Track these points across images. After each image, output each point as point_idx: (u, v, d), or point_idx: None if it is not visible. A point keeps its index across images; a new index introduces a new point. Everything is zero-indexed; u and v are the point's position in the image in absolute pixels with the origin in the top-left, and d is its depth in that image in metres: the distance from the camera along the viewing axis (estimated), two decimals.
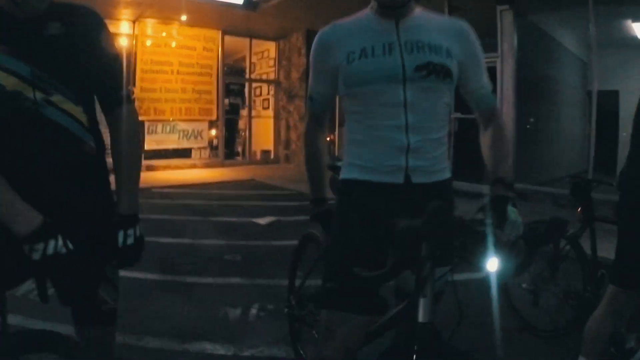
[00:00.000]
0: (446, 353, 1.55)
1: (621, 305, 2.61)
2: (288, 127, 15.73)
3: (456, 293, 1.59)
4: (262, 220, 7.68)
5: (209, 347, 3.48)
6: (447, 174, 2.01)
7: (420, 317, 1.56)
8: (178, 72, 14.04)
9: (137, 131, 1.93)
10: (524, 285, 3.74)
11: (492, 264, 1.55)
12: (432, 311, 1.57)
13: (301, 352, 3.22)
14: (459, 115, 9.96)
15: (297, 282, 3.23)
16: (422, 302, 1.56)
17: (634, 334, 3.03)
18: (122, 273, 1.92)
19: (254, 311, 4.17)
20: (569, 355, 3.12)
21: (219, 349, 3.45)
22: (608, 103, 9.58)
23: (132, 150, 1.87)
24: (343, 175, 2.04)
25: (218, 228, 7.27)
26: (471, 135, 9.29)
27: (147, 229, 6.07)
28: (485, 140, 2.02)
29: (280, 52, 15.86)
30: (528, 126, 10.42)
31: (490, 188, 1.87)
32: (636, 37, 10.82)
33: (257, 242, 6.41)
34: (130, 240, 1.78)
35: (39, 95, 1.65)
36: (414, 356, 1.53)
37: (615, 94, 11.10)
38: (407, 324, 1.64)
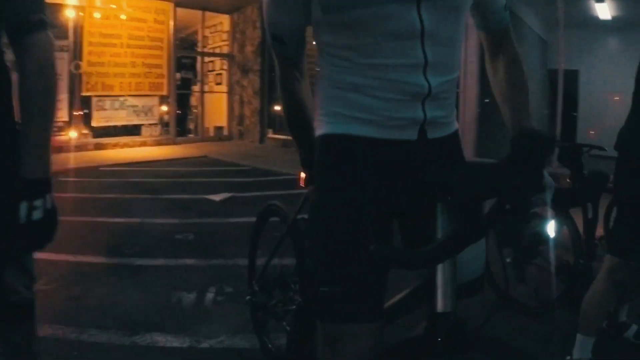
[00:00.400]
0: (476, 347, 1.24)
1: (623, 277, 2.44)
2: (242, 103, 15.42)
3: (504, 268, 1.25)
4: (216, 197, 7.34)
5: (160, 339, 3.09)
6: (456, 124, 1.57)
7: (439, 305, 1.27)
8: (128, 46, 13.54)
9: (52, 70, 1.44)
10: (508, 260, 3.39)
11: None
12: (454, 298, 1.27)
13: (269, 345, 2.84)
14: None
15: (260, 264, 2.85)
16: (440, 285, 1.27)
17: (626, 305, 2.95)
18: (62, 257, 1.48)
19: (210, 295, 3.78)
20: (558, 331, 3.01)
21: (173, 341, 3.07)
22: (567, 82, 9.53)
23: (43, 93, 1.41)
24: (326, 129, 1.47)
25: (169, 206, 6.90)
26: None
27: (93, 208, 5.72)
28: (497, 73, 1.56)
29: (234, 25, 15.50)
30: (487, 100, 10.22)
31: (514, 141, 1.42)
32: (596, 17, 10.84)
33: (211, 220, 6.04)
34: (37, 215, 1.36)
35: None
36: (434, 351, 1.25)
37: (575, 74, 11.07)
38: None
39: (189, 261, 4.61)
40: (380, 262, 1.30)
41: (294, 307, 2.46)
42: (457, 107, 8.03)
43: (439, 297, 1.26)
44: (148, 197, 7.46)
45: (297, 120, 1.69)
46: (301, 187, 1.89)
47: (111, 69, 13.26)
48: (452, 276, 1.27)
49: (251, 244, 3.02)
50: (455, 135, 1.55)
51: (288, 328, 2.39)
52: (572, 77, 10.61)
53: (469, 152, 10.05)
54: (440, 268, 1.26)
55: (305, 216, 2.21)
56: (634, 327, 2.93)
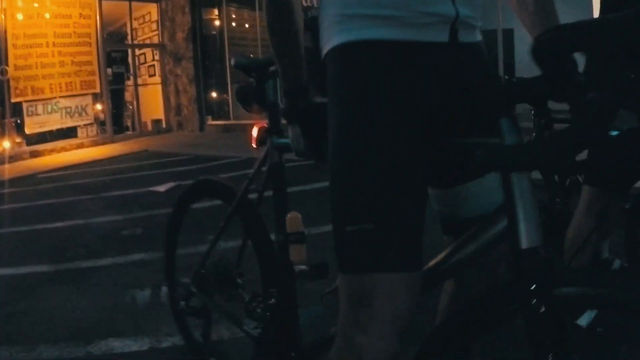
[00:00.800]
0: (570, 281, 1.02)
1: (602, 206, 2.35)
2: (177, 92, 15.13)
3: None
4: (162, 188, 7.09)
5: (117, 345, 2.84)
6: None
7: (524, 240, 1.03)
8: (54, 44, 12.98)
9: None
10: None
11: None
12: (540, 230, 1.05)
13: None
14: None
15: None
16: (522, 216, 1.04)
17: (607, 241, 2.87)
18: (2, 272, 1.24)
19: (165, 290, 3.49)
20: None
21: (131, 345, 2.83)
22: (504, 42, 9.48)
23: None
24: (343, 37, 1.21)
25: (112, 203, 6.62)
26: None
27: (32, 216, 5.43)
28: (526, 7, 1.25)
29: (162, 13, 15.09)
30: None
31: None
32: None
33: (158, 212, 5.75)
34: None
35: None
36: (527, 294, 1.01)
37: (510, 32, 11.07)
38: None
39: (139, 256, 4.36)
40: (490, 166, 1.07)
41: (268, 305, 2.03)
42: None
43: (523, 230, 1.04)
44: (89, 198, 7.15)
45: (284, 23, 1.40)
46: (254, 149, 1.76)
47: (39, 71, 12.69)
48: (533, 203, 1.06)
49: (167, 234, 2.60)
50: (482, 45, 1.35)
51: (254, 332, 2.09)
52: (508, 36, 10.55)
53: None
54: (518, 195, 1.05)
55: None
56: (617, 262, 2.85)
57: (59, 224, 5.74)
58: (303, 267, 1.67)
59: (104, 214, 6.01)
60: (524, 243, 1.03)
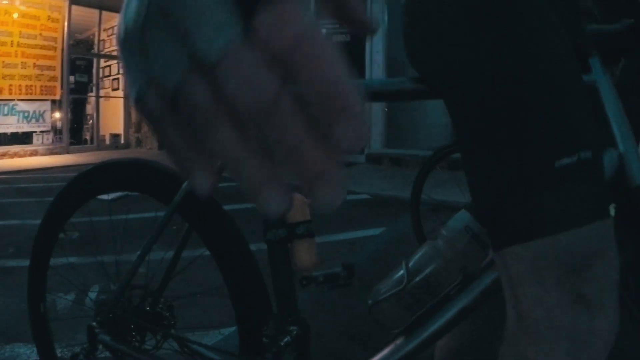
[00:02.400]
0: None
1: None
2: None
3: None
4: (107, 196, 6.69)
5: (22, 352, 2.57)
6: None
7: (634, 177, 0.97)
8: (18, 45, 12.60)
9: None
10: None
11: None
12: None
13: None
14: None
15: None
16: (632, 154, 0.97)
17: None
18: None
19: (93, 295, 3.24)
20: None
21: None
22: None
23: None
24: None
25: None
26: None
27: None
28: None
29: None
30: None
31: None
32: None
33: (100, 218, 5.42)
34: None
35: None
36: None
37: None
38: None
39: (71, 259, 4.06)
40: None
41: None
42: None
43: (634, 167, 0.97)
44: (32, 201, 6.88)
45: None
46: None
47: (0, 70, 12.33)
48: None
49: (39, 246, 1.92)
50: None
51: None
52: None
53: (378, 142, 10.12)
54: (622, 131, 0.97)
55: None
56: None
57: None
58: (324, 271, 1.26)
59: (42, 217, 5.69)
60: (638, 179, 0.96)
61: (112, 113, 15.19)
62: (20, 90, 12.71)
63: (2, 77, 12.36)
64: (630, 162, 0.96)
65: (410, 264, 1.21)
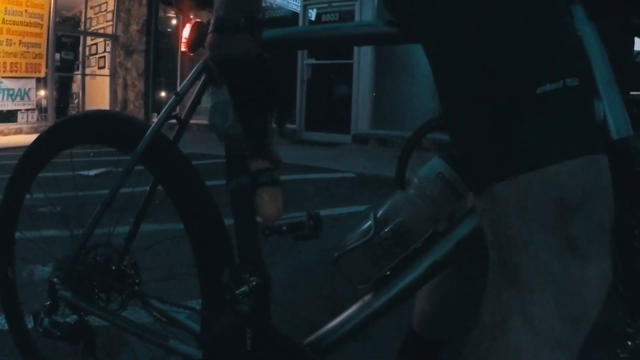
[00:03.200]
0: None
1: None
2: (125, 86, 14.66)
3: None
4: (91, 172, 6.72)
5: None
6: None
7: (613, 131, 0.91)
8: (3, 22, 12.33)
9: None
10: None
11: None
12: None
13: None
14: (312, 61, 10.01)
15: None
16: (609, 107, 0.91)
17: None
18: None
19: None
20: None
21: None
22: None
23: None
24: None
25: (37, 183, 6.17)
26: (324, 83, 9.27)
27: None
28: None
29: (119, 3, 14.66)
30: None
31: None
32: None
33: (83, 193, 5.37)
34: None
35: None
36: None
37: None
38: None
39: (50, 233, 4.01)
40: None
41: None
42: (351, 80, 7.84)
43: (611, 121, 0.91)
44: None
45: None
46: None
47: None
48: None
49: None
50: None
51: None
52: None
53: (365, 123, 10.10)
54: (605, 82, 0.92)
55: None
56: None
57: None
58: (288, 220, 1.18)
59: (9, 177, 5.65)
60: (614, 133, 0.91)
61: (98, 91, 15.02)
62: (4, 67, 12.50)
63: None
64: (612, 115, 0.91)
65: (379, 213, 1.14)
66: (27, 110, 13.33)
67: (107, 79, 15.03)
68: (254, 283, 1.13)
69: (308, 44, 1.18)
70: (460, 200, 1.11)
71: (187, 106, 1.38)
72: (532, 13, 0.78)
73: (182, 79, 11.34)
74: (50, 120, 13.59)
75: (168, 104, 1.37)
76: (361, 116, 10.19)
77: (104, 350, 1.80)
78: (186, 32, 1.22)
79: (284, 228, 1.14)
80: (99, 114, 1.69)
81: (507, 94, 0.76)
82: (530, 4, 0.78)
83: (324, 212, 4.68)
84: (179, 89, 1.36)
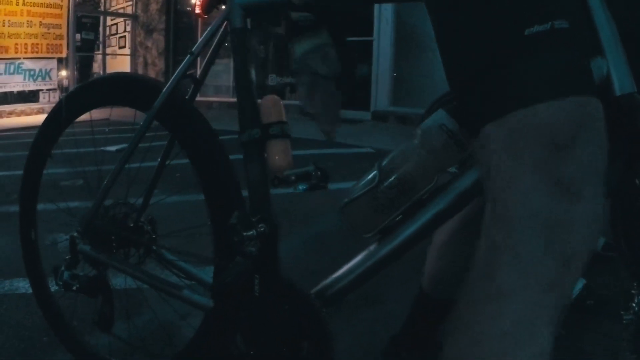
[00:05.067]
0: None
1: None
2: (146, 65, 14.72)
3: None
4: (113, 148, 6.76)
5: (22, 286, 2.68)
6: None
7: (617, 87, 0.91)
8: (24, 3, 12.41)
9: None
10: None
11: None
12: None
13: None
14: None
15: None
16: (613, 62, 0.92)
17: None
18: None
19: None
20: None
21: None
22: None
23: None
24: None
25: (60, 159, 6.28)
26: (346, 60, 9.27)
27: None
28: None
29: None
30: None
31: None
32: None
33: (104, 167, 5.47)
34: None
35: None
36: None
37: None
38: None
39: (73, 204, 4.11)
40: None
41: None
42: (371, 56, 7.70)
43: (614, 77, 0.91)
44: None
45: None
46: None
47: (6, 30, 12.16)
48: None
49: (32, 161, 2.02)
50: None
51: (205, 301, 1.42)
52: None
53: (384, 101, 10.04)
54: (609, 38, 0.91)
55: None
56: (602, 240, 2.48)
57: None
58: (296, 170, 1.18)
59: (48, 167, 5.75)
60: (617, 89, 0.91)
61: (119, 70, 14.84)
62: (26, 48, 12.59)
63: (8, 36, 12.23)
64: (615, 71, 0.90)
65: (384, 162, 1.16)
66: (48, 90, 13.43)
67: (128, 58, 15.08)
68: (262, 229, 1.16)
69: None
70: (465, 150, 1.12)
71: (202, 65, 1.43)
72: None
73: (201, 57, 11.59)
74: None
75: (183, 62, 1.41)
76: (381, 93, 10.14)
77: (123, 311, 1.85)
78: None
79: (292, 178, 1.16)
80: (116, 76, 1.78)
81: (496, 36, 0.78)
82: None
83: (340, 185, 4.70)
84: (193, 49, 1.40)
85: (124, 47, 15.17)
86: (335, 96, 1.13)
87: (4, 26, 12.12)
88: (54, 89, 13.53)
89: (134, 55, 14.95)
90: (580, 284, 2.19)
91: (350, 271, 1.18)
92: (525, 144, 0.76)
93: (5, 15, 12.12)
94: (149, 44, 14.53)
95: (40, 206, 3.92)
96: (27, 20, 12.51)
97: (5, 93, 12.65)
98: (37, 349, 2.20)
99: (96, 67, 15.28)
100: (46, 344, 2.21)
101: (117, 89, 1.70)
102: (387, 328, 1.70)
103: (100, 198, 1.61)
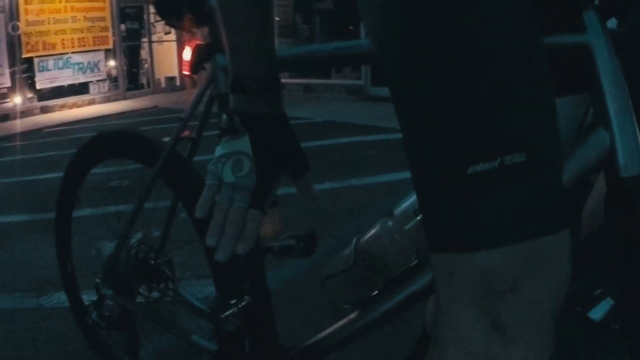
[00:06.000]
0: None
1: None
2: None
3: None
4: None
5: None
6: None
7: (622, 166, 0.78)
8: (67, 0, 12.70)
9: None
10: None
11: None
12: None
13: None
14: None
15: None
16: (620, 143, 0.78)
17: None
18: None
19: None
20: None
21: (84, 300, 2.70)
22: None
23: None
24: None
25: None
26: None
27: (26, 168, 5.35)
28: None
29: None
30: None
31: None
32: None
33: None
34: None
35: None
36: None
37: None
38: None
39: (120, 207, 4.23)
40: None
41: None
42: None
43: (621, 157, 0.78)
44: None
45: None
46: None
47: (52, 27, 12.45)
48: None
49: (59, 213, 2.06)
50: None
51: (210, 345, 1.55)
52: None
53: None
54: (618, 106, 0.78)
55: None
56: None
57: (50, 175, 5.61)
58: (279, 242, 1.14)
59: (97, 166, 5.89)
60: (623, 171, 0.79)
61: (166, 57, 15.23)
62: (72, 43, 12.87)
63: (54, 33, 12.52)
64: (622, 148, 0.77)
65: (361, 241, 1.17)
66: (98, 81, 13.69)
67: (174, 44, 15.19)
68: (245, 302, 1.20)
69: (318, 63, 1.17)
70: None
71: (198, 126, 1.47)
72: (477, 67, 0.65)
73: None
74: (122, 89, 14.03)
75: (175, 129, 1.48)
76: None
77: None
78: (187, 54, 1.26)
79: (276, 249, 1.13)
80: (118, 133, 1.82)
81: (441, 167, 0.68)
82: (478, 53, 0.65)
83: (377, 179, 4.66)
84: (182, 114, 1.46)
85: (169, 32, 15.23)
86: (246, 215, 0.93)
87: (49, 24, 12.41)
88: (104, 80, 13.80)
89: (179, 41, 15.06)
90: (607, 305, 2.11)
91: (329, 337, 1.21)
92: (460, 286, 0.69)
93: (50, 13, 12.40)
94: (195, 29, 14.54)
95: (87, 211, 4.06)
96: (72, 16, 12.77)
97: (56, 87, 12.94)
98: None
99: (144, 55, 15.42)
100: (90, 357, 2.27)
101: (123, 145, 1.78)
102: (406, 345, 1.73)
103: (118, 245, 1.67)
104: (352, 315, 1.18)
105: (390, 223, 1.16)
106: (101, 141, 1.83)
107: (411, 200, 1.16)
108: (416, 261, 1.11)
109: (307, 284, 2.72)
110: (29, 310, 2.70)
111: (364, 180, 4.58)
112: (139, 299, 1.68)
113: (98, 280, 1.75)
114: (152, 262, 1.66)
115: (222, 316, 1.21)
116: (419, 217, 1.11)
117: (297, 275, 2.85)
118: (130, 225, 1.66)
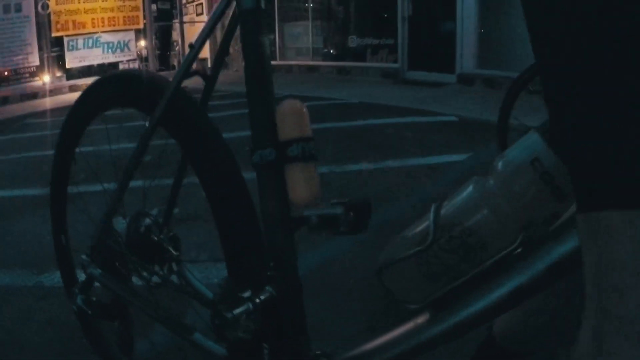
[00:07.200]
0: None
1: None
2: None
3: None
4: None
5: None
6: None
7: None
8: None
9: None
10: None
11: None
12: None
13: None
14: None
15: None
16: None
17: None
18: None
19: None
20: None
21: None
22: None
23: None
24: None
25: (132, 133, 6.27)
26: (427, 19, 8.75)
27: (47, 143, 5.21)
28: None
29: None
30: None
31: None
32: None
33: (172, 140, 5.42)
34: None
35: None
36: None
37: None
38: None
39: (136, 183, 4.01)
40: None
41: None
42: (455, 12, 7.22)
43: None
44: (112, 127, 6.86)
45: None
46: None
47: (82, 6, 12.42)
48: None
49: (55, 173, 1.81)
50: None
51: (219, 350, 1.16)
52: None
53: (470, 62, 9.51)
54: None
55: None
56: None
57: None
58: (320, 210, 0.86)
59: (118, 142, 5.73)
60: None
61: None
62: (103, 22, 12.81)
63: (84, 12, 12.46)
64: None
65: (443, 210, 0.82)
66: (128, 60, 13.61)
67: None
68: (266, 295, 0.85)
69: None
70: (565, 201, 0.76)
71: (213, 60, 1.17)
72: None
73: (280, 18, 11.28)
74: (153, 69, 13.89)
75: (182, 62, 1.14)
76: (466, 54, 9.44)
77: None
78: None
79: (314, 219, 0.83)
80: (115, 75, 1.55)
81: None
82: None
83: (418, 161, 4.45)
84: (194, 40, 1.12)
85: (202, 14, 15.16)
86: None
87: (79, 3, 12.38)
88: (134, 59, 13.74)
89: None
90: None
91: (385, 347, 0.84)
92: None
93: None
94: (227, 10, 14.42)
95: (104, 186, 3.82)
96: None
97: (85, 67, 12.92)
98: (74, 352, 2.06)
99: (175, 35, 15.40)
100: (85, 346, 2.03)
101: (119, 89, 1.46)
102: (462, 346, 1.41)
103: (109, 215, 1.36)
104: (420, 319, 0.81)
105: (491, 182, 0.81)
106: (98, 88, 1.53)
107: (522, 147, 0.81)
108: (521, 248, 0.75)
109: (344, 271, 2.42)
110: (26, 288, 2.57)
111: (403, 162, 4.36)
112: (135, 282, 1.34)
113: (84, 256, 1.41)
114: (155, 237, 1.33)
115: (230, 315, 0.85)
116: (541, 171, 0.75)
117: (331, 259, 2.53)
118: (125, 185, 1.42)
